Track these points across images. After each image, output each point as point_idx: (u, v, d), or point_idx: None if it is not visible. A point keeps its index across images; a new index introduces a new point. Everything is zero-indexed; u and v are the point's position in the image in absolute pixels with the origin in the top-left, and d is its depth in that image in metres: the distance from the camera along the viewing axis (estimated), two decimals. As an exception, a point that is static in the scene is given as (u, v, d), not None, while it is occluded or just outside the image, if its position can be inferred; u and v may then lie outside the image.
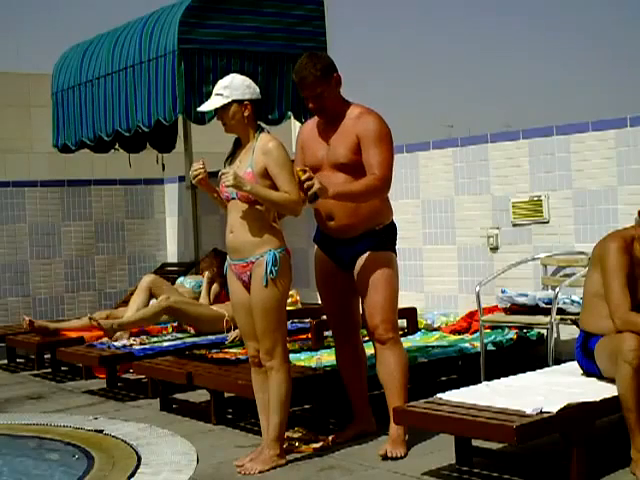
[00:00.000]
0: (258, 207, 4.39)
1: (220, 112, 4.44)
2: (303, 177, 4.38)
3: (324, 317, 7.16)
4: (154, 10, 7.67)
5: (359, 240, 4.68)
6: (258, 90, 4.52)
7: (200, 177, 4.43)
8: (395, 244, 4.82)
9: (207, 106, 4.49)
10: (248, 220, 4.41)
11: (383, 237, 4.72)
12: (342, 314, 4.91)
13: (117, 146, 8.87)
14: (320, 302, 5.07)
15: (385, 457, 4.54)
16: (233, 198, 4.44)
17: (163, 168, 9.14)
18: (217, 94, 4.44)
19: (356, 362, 4.96)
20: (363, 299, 4.74)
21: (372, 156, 4.55)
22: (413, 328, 6.62)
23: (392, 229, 4.82)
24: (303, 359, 5.75)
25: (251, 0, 7.45)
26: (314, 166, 4.64)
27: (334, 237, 4.76)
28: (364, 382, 5.02)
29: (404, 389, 4.65)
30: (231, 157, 4.55)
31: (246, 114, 4.43)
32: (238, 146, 4.54)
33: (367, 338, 4.92)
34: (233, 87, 4.42)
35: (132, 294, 8.85)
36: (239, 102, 4.41)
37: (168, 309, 6.85)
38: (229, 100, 4.40)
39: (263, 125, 4.55)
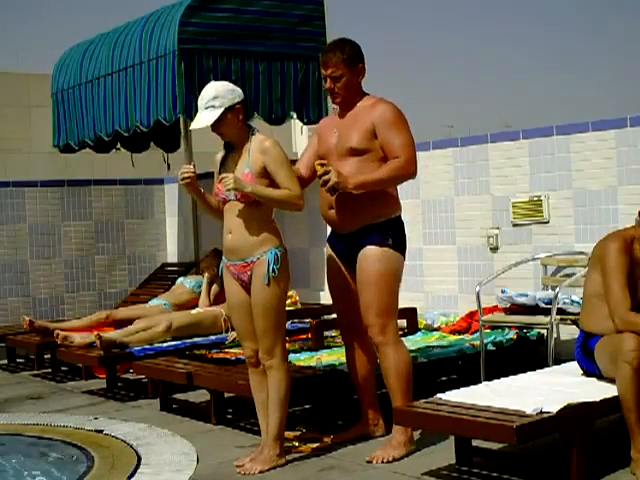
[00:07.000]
0: (257, 207, 4.39)
1: (216, 125, 4.39)
2: (320, 171, 4.40)
3: (324, 317, 7.20)
4: (154, 10, 7.68)
5: (360, 234, 4.58)
6: (240, 90, 4.49)
7: (188, 181, 4.42)
8: (401, 240, 4.62)
9: (202, 122, 4.38)
10: (247, 220, 4.40)
11: (384, 231, 4.57)
12: (350, 313, 4.77)
13: (119, 146, 8.87)
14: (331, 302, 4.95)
15: (369, 462, 4.47)
16: (230, 200, 4.44)
17: (169, 167, 9.13)
18: (207, 107, 4.36)
19: (364, 363, 4.86)
20: (359, 297, 4.62)
21: (392, 140, 4.50)
22: (413, 328, 6.62)
23: (396, 224, 4.65)
24: (303, 359, 5.75)
25: (251, 0, 7.46)
26: (325, 154, 4.64)
27: (338, 232, 4.71)
28: (372, 384, 4.91)
29: (400, 392, 4.53)
30: (224, 161, 4.54)
31: (240, 117, 4.42)
32: (230, 150, 4.53)
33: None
34: (221, 96, 4.36)
35: (132, 294, 8.88)
36: (231, 108, 4.39)
37: (170, 333, 6.90)
38: (222, 109, 4.35)
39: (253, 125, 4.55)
